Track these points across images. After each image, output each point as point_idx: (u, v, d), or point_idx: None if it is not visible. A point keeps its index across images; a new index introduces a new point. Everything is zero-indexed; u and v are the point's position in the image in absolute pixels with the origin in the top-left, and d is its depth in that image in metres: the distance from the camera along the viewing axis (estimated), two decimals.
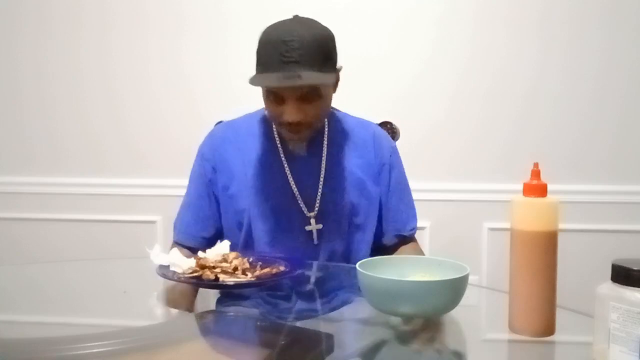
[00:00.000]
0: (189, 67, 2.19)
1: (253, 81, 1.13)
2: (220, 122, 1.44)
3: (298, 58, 1.10)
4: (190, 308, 1.09)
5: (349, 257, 1.29)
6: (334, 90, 1.25)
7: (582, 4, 2.06)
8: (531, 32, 2.09)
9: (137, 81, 2.21)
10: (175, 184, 2.00)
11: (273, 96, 1.16)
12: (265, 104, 1.22)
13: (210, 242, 1.27)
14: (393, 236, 1.34)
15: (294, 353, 0.80)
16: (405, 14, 2.12)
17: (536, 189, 0.80)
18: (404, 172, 1.39)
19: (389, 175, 1.33)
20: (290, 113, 1.15)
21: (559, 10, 2.07)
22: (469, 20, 2.11)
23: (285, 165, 1.27)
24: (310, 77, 1.11)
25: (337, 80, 1.24)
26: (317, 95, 1.16)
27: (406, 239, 1.35)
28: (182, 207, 1.35)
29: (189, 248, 1.27)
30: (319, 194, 1.26)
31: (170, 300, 1.10)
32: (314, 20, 1.19)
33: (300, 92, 1.14)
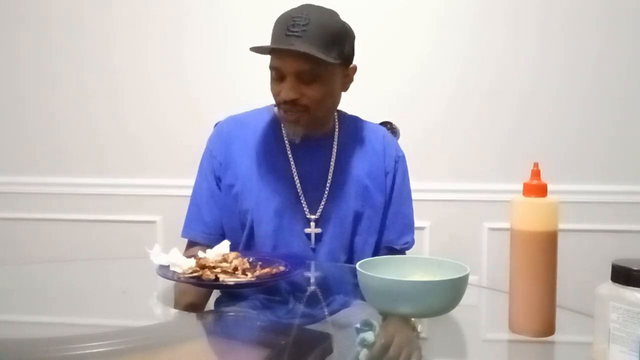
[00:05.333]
0: (189, 67, 2.18)
1: (252, 48, 1.14)
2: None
3: (301, 34, 1.12)
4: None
5: (350, 264, 1.26)
6: (344, 89, 1.25)
7: (581, 4, 2.06)
8: (530, 32, 2.09)
9: (137, 81, 2.21)
10: (175, 184, 2.02)
11: (275, 73, 1.18)
12: (270, 87, 1.21)
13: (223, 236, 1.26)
14: (383, 247, 1.30)
15: (293, 353, 0.80)
16: (404, 13, 2.12)
17: (536, 189, 0.80)
18: (408, 184, 1.35)
19: (391, 183, 1.31)
20: (287, 89, 1.15)
21: (557, 10, 2.07)
22: (468, 20, 2.11)
23: (293, 166, 1.25)
24: (303, 47, 1.11)
25: (348, 78, 1.24)
26: (316, 76, 1.15)
27: (396, 253, 1.29)
28: (195, 199, 1.30)
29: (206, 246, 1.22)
30: (324, 197, 1.25)
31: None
32: (332, 10, 1.20)
33: (297, 69, 1.14)
